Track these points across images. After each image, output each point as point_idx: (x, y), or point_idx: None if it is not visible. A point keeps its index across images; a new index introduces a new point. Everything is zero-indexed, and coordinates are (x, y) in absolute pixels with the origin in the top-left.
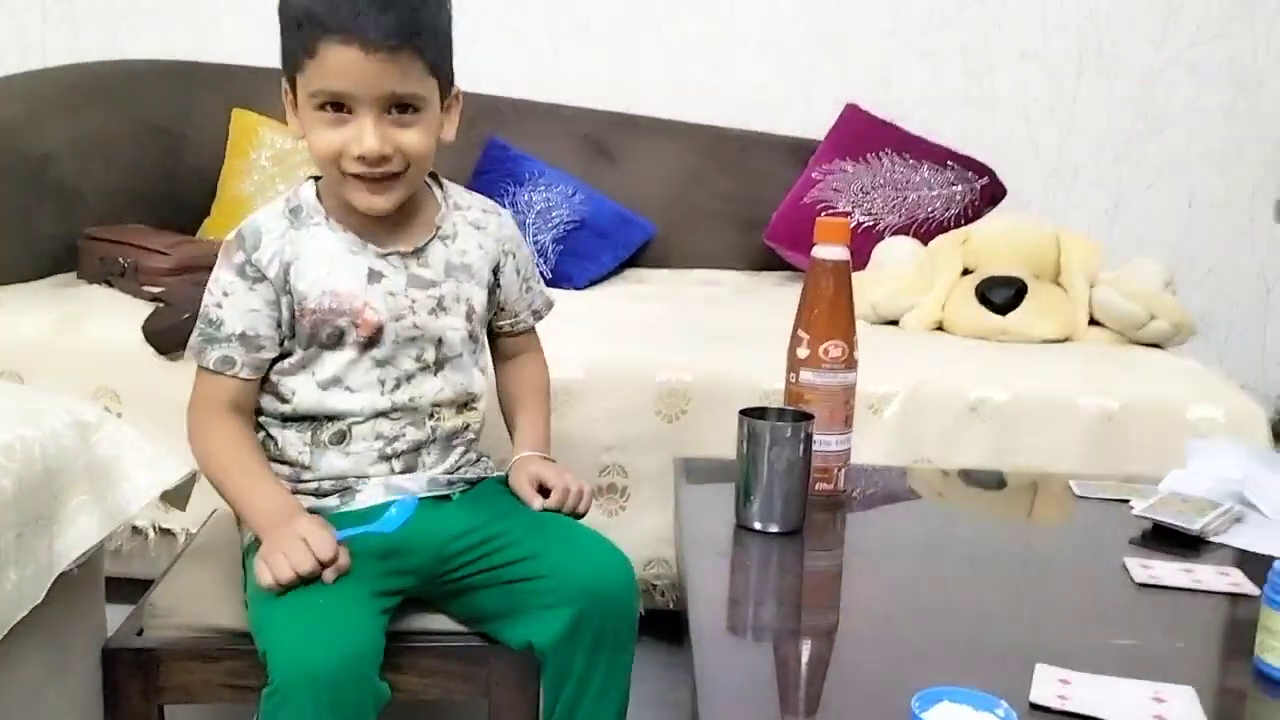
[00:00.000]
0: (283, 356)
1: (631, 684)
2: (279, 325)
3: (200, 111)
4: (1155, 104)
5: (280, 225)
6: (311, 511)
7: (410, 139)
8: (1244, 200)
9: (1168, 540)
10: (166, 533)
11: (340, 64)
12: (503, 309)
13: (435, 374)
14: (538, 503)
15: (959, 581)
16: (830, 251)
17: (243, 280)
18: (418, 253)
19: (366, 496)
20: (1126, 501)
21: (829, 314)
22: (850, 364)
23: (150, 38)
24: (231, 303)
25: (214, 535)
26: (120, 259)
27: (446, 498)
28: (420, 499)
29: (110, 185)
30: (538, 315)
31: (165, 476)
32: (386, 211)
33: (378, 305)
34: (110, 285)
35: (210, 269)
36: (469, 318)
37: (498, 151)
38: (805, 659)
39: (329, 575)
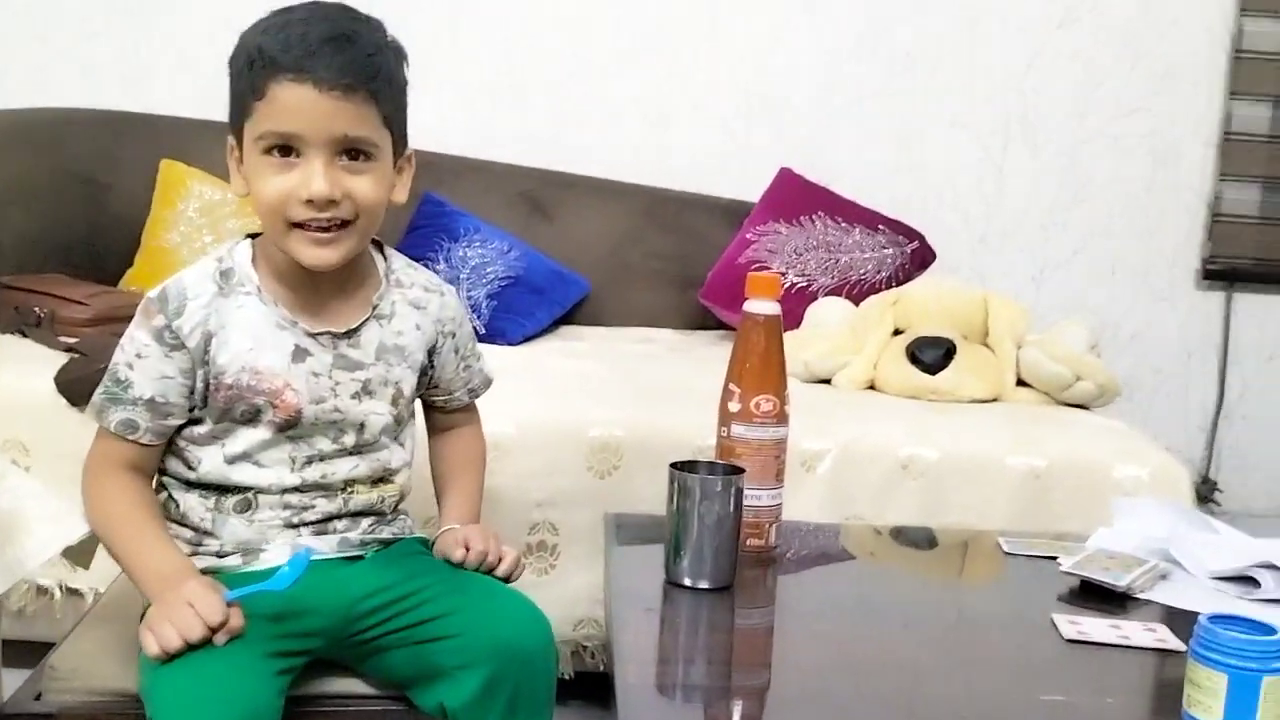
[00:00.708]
0: (193, 423)
1: None
2: (191, 394)
3: (127, 161)
4: (1079, 174)
5: (208, 291)
6: (211, 572)
7: (361, 187)
8: (1165, 268)
9: (1095, 597)
10: (74, 593)
11: (291, 103)
12: (437, 386)
13: (351, 454)
14: (458, 554)
15: (890, 639)
16: (762, 306)
17: (159, 345)
18: (350, 334)
19: (271, 557)
20: (1054, 559)
21: (760, 368)
22: (782, 419)
23: (79, 86)
24: (143, 366)
25: (122, 595)
26: (36, 309)
27: (359, 556)
28: (317, 558)
29: (29, 233)
30: (474, 394)
31: (68, 532)
32: (332, 267)
33: (299, 387)
34: (24, 335)
35: (129, 320)
36: (395, 402)
37: (433, 207)
38: (735, 718)
39: (220, 638)
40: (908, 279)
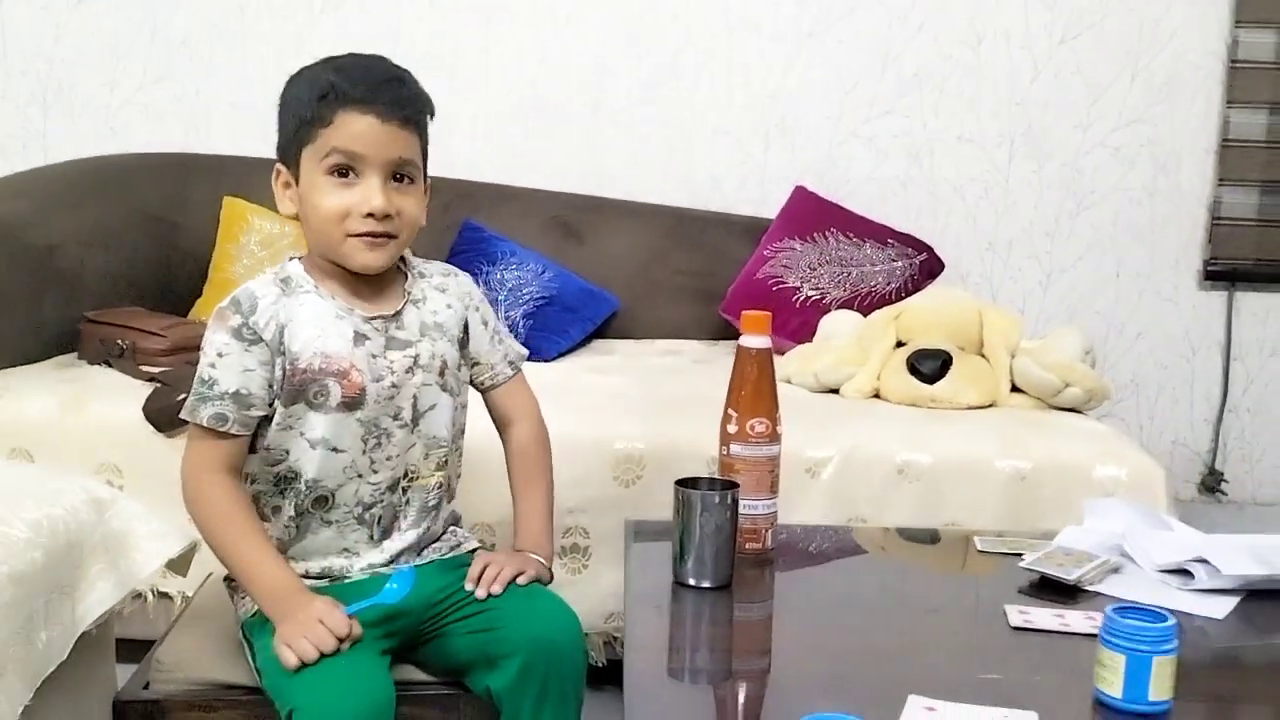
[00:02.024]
0: (269, 419)
1: None
2: (270, 385)
3: (193, 200)
4: (1082, 183)
5: (273, 292)
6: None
7: (408, 204)
8: (1167, 270)
9: (1052, 589)
10: (164, 596)
11: (358, 129)
12: (479, 363)
13: (412, 430)
14: (469, 587)
15: (864, 626)
16: (755, 341)
17: (239, 342)
18: (396, 316)
19: (356, 575)
20: (1021, 555)
21: (754, 395)
22: (774, 438)
23: (144, 129)
24: (226, 363)
25: (210, 598)
26: (119, 341)
27: (430, 563)
28: (415, 569)
29: (109, 270)
30: (514, 366)
31: (170, 547)
32: (380, 268)
33: (362, 367)
34: (110, 366)
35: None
36: (442, 373)
37: (472, 233)
38: (719, 696)
39: (345, 646)
40: (917, 289)
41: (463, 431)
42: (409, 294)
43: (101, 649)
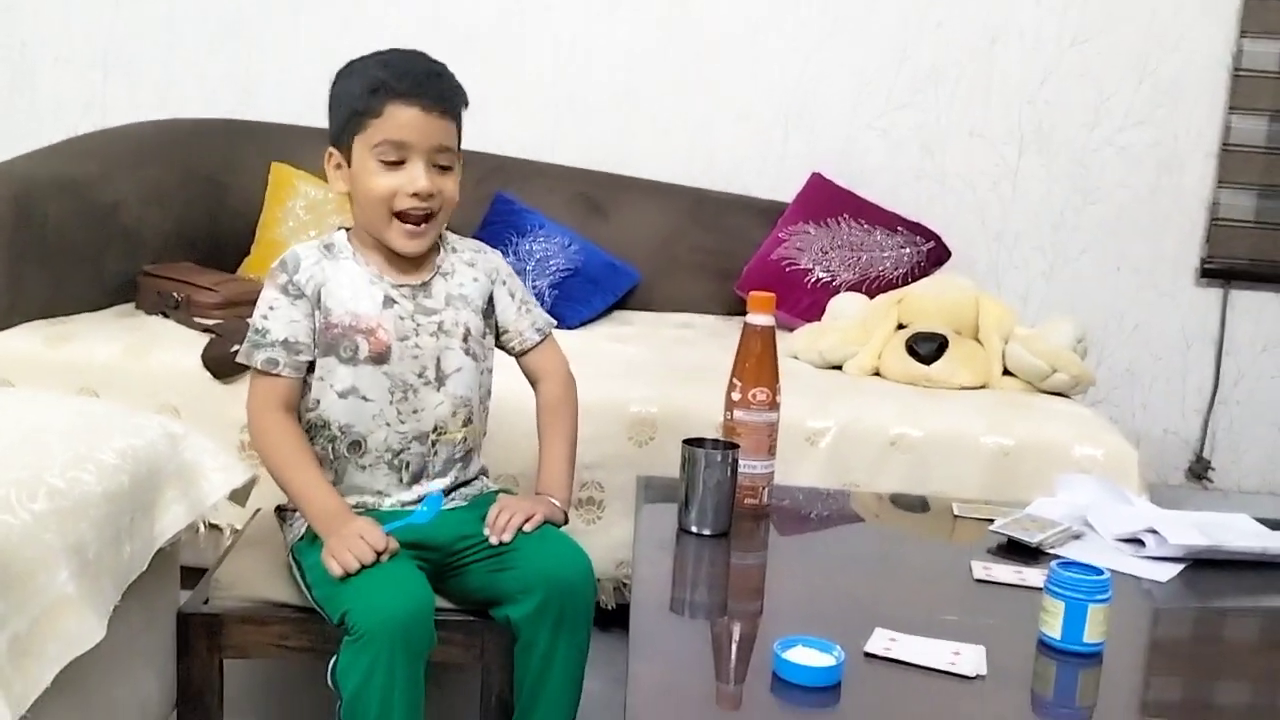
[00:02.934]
0: (310, 367)
1: (598, 662)
2: (313, 333)
3: (243, 164)
4: (1088, 180)
5: (315, 255)
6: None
7: (448, 186)
8: (1167, 266)
9: (1018, 551)
10: (214, 528)
11: (405, 120)
12: (507, 331)
13: (437, 389)
14: (485, 532)
15: (844, 573)
16: (759, 319)
17: (286, 297)
18: (424, 286)
19: (390, 503)
20: (993, 521)
21: (756, 367)
22: (773, 406)
23: (200, 98)
24: (276, 315)
25: (260, 529)
26: (175, 294)
27: (456, 508)
28: (442, 494)
29: (165, 228)
30: (541, 332)
31: (234, 479)
32: (418, 253)
33: (389, 327)
34: (166, 316)
35: (252, 304)
36: (465, 339)
37: (504, 205)
38: (713, 627)
39: (384, 558)
40: (924, 275)
41: (489, 394)
42: (439, 267)
43: (170, 567)
